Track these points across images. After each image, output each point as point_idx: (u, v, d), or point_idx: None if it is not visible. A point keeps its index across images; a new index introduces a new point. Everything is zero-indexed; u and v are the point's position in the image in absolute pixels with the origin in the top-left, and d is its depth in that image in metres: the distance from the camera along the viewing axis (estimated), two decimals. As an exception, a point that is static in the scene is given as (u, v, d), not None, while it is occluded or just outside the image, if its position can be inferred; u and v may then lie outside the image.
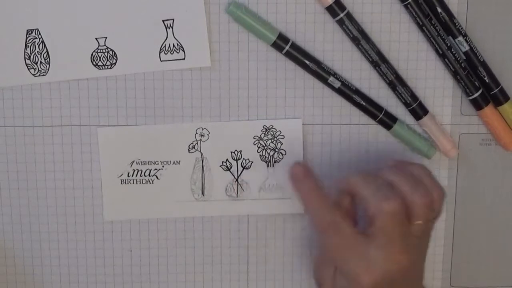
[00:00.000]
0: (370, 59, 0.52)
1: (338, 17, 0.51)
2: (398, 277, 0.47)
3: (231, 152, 0.54)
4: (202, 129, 0.54)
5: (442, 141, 0.54)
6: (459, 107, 0.54)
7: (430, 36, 0.52)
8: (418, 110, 0.53)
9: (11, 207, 0.55)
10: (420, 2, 0.51)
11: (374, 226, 0.47)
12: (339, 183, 0.50)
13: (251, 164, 0.55)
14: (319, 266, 0.51)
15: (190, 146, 0.54)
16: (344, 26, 0.52)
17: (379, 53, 0.52)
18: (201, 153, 0.54)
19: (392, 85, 0.53)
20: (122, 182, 0.54)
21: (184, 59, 0.52)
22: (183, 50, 0.52)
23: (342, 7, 0.51)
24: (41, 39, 0.52)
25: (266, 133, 0.54)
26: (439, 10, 0.51)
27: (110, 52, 0.52)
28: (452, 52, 0.52)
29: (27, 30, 0.52)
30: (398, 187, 0.48)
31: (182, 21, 0.52)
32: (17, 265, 0.56)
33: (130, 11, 0.51)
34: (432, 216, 0.49)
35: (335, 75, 0.53)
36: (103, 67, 0.52)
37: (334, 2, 0.51)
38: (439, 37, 0.52)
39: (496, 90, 0.53)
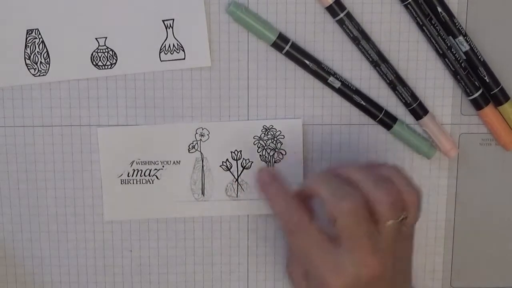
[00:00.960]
0: (370, 59, 0.52)
1: (338, 17, 0.51)
2: (372, 281, 0.45)
3: (231, 152, 0.54)
4: (202, 129, 0.54)
5: (442, 141, 0.54)
6: (459, 107, 0.54)
7: (430, 36, 0.52)
8: (418, 110, 0.53)
9: (11, 207, 0.55)
10: (420, 2, 0.51)
11: (336, 228, 0.45)
12: (301, 187, 0.49)
13: (251, 164, 0.54)
14: (291, 264, 0.50)
15: (190, 146, 0.54)
16: (344, 26, 0.52)
17: (379, 53, 0.52)
18: (201, 153, 0.54)
19: (392, 85, 0.53)
20: (122, 182, 0.54)
21: (184, 59, 0.52)
22: (183, 50, 0.52)
23: (342, 7, 0.51)
24: (41, 39, 0.52)
25: (266, 133, 0.54)
26: (439, 10, 0.51)
27: (110, 52, 0.52)
28: (452, 52, 0.52)
29: (27, 30, 0.52)
30: (360, 186, 0.46)
31: (182, 21, 0.52)
32: (17, 265, 0.56)
33: (130, 11, 0.51)
34: (403, 217, 0.46)
35: (335, 75, 0.53)
36: (103, 67, 0.52)
37: (334, 2, 0.51)
38: (439, 37, 0.52)
39: (496, 90, 0.53)
